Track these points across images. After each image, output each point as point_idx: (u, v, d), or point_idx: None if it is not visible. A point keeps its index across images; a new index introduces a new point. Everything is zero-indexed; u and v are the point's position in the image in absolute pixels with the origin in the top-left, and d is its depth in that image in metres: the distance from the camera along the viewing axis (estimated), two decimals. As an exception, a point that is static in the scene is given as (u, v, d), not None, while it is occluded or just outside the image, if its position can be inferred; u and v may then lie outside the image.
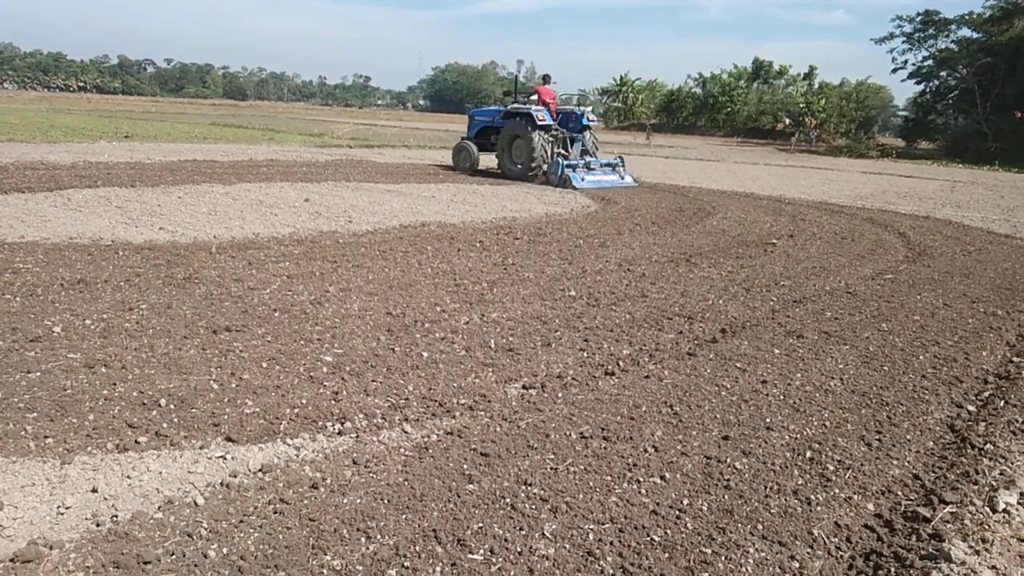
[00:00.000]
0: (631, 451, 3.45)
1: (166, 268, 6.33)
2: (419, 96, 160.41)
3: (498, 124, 17.47)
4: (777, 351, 5.13)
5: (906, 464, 3.52)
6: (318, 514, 2.77)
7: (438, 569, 2.49)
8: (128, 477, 2.98)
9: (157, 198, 10.40)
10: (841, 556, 2.72)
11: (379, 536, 2.65)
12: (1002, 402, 4.43)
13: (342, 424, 3.57)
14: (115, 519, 2.68)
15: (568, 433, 3.61)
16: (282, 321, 5.08)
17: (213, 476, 3.03)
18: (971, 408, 4.32)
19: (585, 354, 4.82)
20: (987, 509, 3.10)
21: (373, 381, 4.12)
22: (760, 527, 2.86)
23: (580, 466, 3.27)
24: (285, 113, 70.72)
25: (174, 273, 6.15)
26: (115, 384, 3.82)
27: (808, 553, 2.71)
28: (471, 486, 3.04)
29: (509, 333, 5.15)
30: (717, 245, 9.42)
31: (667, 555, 2.64)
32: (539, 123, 16.06)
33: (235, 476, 3.03)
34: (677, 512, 2.93)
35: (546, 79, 17.58)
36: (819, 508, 3.04)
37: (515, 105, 16.95)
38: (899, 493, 3.23)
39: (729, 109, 76.55)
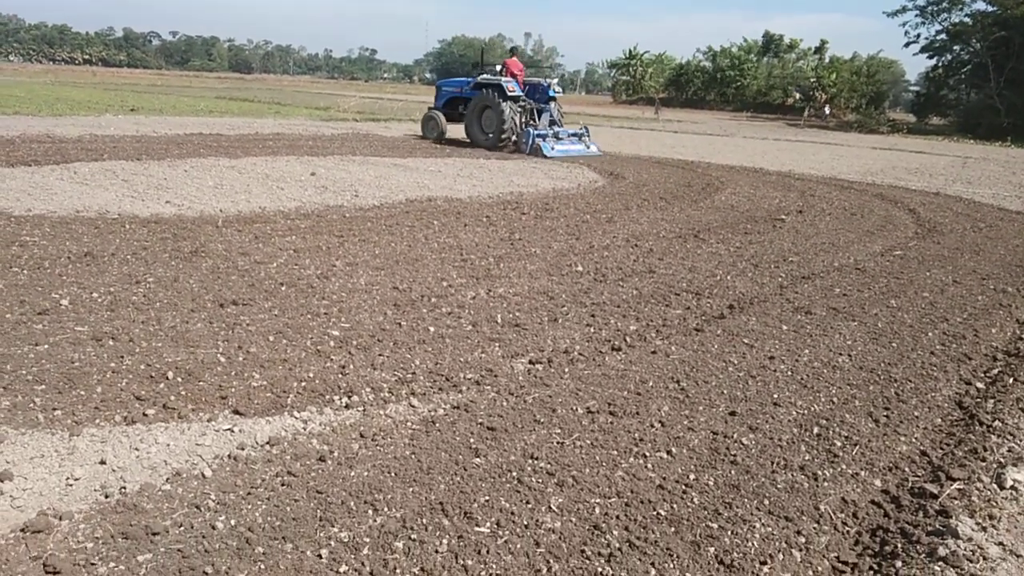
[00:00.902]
0: (638, 426, 3.45)
1: (173, 241, 6.33)
2: (425, 69, 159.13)
3: (467, 95, 17.89)
4: (785, 327, 5.11)
5: (914, 440, 3.52)
6: (325, 486, 2.78)
7: (444, 541, 2.50)
8: (136, 449, 2.99)
9: (163, 171, 10.38)
10: (847, 532, 2.72)
11: (386, 509, 2.66)
12: (1011, 379, 4.40)
13: (349, 398, 3.57)
14: (123, 491, 2.70)
15: (575, 408, 3.61)
16: (289, 295, 5.08)
17: (221, 448, 3.04)
18: (980, 385, 4.30)
19: (592, 329, 4.81)
20: (995, 486, 3.10)
21: (380, 355, 4.12)
22: (767, 502, 2.86)
23: (587, 441, 3.27)
24: (291, 87, 70.39)
25: (181, 247, 6.15)
26: (122, 357, 3.83)
27: (814, 528, 2.71)
28: (478, 460, 3.05)
29: (516, 308, 5.14)
30: (725, 220, 9.36)
31: (673, 529, 2.65)
32: (509, 94, 16.67)
33: (243, 449, 3.04)
34: (683, 487, 2.94)
35: (513, 51, 18.35)
36: (826, 484, 3.04)
37: (484, 76, 17.46)
38: (906, 469, 3.23)
39: (739, 83, 75.75)
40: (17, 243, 5.95)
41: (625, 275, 6.24)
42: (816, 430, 3.54)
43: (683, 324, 5.05)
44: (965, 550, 2.59)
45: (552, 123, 17.50)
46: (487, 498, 2.77)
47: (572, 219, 8.77)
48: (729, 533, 2.64)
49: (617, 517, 2.69)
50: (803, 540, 2.63)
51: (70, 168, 10.14)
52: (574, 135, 17.40)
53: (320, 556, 2.39)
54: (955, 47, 49.52)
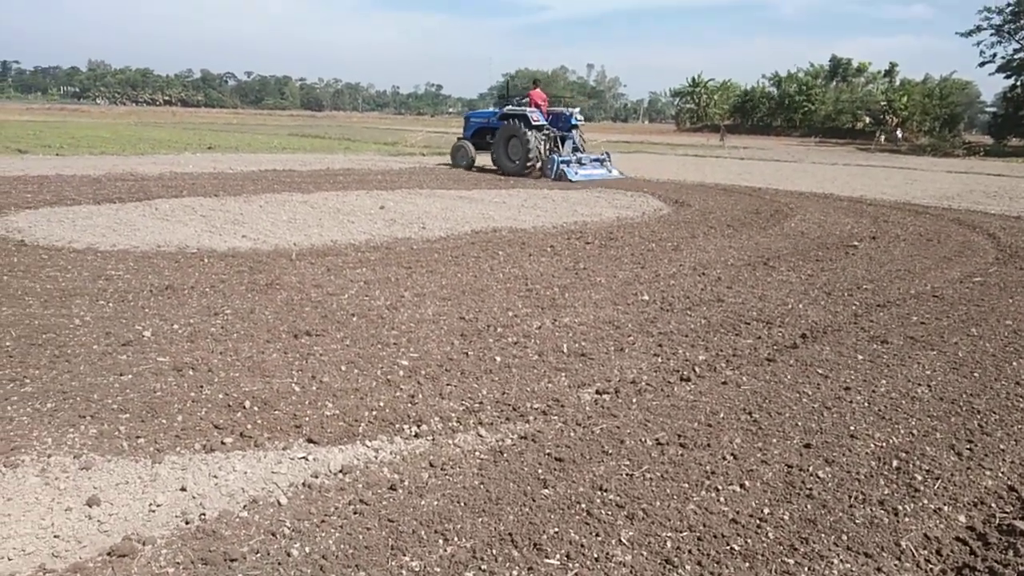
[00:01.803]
0: (709, 458, 3.39)
1: (249, 274, 6.54)
2: (490, 103, 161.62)
3: (494, 125, 19.07)
4: (860, 357, 4.97)
5: (1000, 475, 3.36)
6: (396, 515, 2.81)
7: (515, 573, 2.49)
8: (215, 476, 3.09)
9: (239, 207, 10.77)
10: (931, 570, 2.61)
11: (456, 538, 2.68)
12: (1107, 412, 4.18)
13: (418, 427, 3.62)
14: (203, 517, 2.78)
15: (643, 439, 3.57)
16: (360, 325, 5.19)
17: (295, 476, 3.11)
18: (1072, 418, 4.09)
19: (659, 359, 4.76)
20: (1092, 525, 2.93)
21: (448, 384, 4.17)
22: (845, 537, 2.77)
23: (656, 473, 3.24)
24: (360, 123, 72.25)
25: (257, 279, 6.35)
26: (202, 386, 3.97)
27: (895, 565, 2.61)
28: (546, 490, 3.04)
29: (581, 338, 5.14)
30: (796, 248, 9.18)
31: (747, 565, 2.59)
32: (534, 123, 17.86)
33: (316, 477, 3.11)
34: (758, 521, 2.87)
35: (536, 83, 19.68)
36: (907, 519, 2.93)
37: (510, 107, 18.74)
38: (993, 505, 3.08)
39: (806, 108, 74.65)
40: (103, 277, 6.24)
41: (692, 304, 6.17)
42: (895, 463, 3.42)
43: (754, 354, 4.96)
44: (1061, 592, 2.46)
45: (575, 149, 18.53)
46: (556, 529, 2.75)
47: (637, 248, 8.73)
48: (806, 569, 2.57)
49: (689, 551, 2.65)
50: (885, 578, 2.54)
51: (152, 205, 10.62)
52: (596, 160, 18.32)
53: (392, 585, 2.42)
54: (1034, 65, 47.83)
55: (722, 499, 3.03)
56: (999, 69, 49.35)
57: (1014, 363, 4.96)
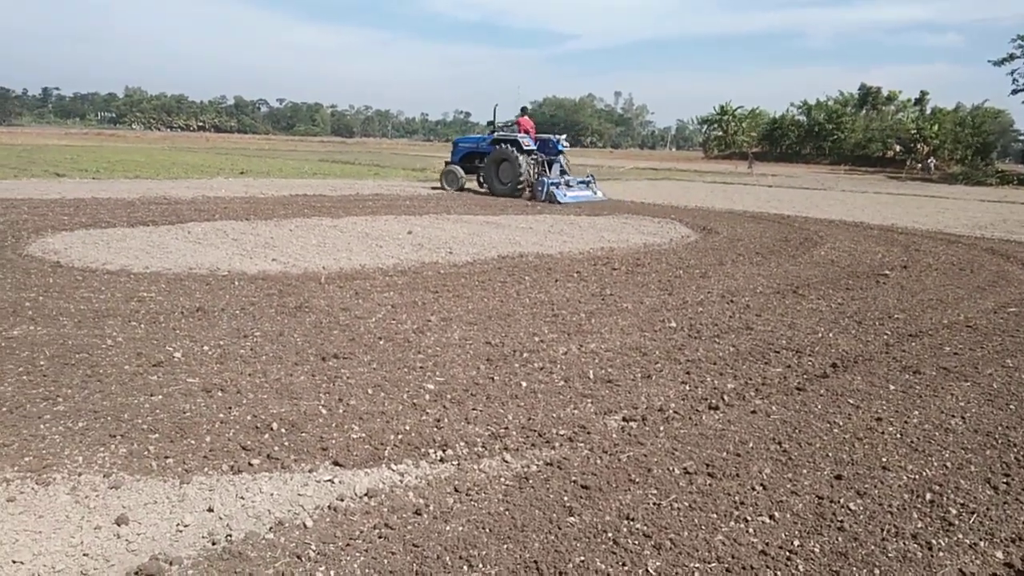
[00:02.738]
0: (738, 488, 3.34)
1: (278, 297, 6.61)
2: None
3: (483, 150, 20.28)
4: (892, 387, 4.89)
5: (1041, 511, 3.27)
6: (421, 540, 2.80)
7: (540, 601, 2.47)
8: (242, 498, 3.10)
9: (270, 231, 10.91)
10: (969, 608, 2.55)
11: (481, 565, 2.66)
12: None
13: (444, 451, 3.61)
14: (229, 538, 2.79)
15: (671, 468, 3.53)
16: (387, 349, 5.21)
17: (321, 499, 3.12)
18: (1114, 453, 3.98)
19: (687, 387, 4.72)
20: None
21: (473, 409, 4.16)
22: (877, 572, 2.71)
23: (684, 502, 3.19)
24: (389, 149, 73.10)
25: (286, 302, 6.42)
26: (230, 408, 4.00)
27: (932, 603, 2.55)
28: (572, 518, 3.02)
29: (608, 364, 5.11)
30: (826, 276, 9.09)
31: (777, 598, 2.53)
32: (525, 148, 19.17)
33: (342, 500, 3.11)
34: (787, 553, 2.82)
35: (523, 111, 20.68)
36: (941, 554, 2.86)
37: (500, 133, 19.96)
38: (1033, 543, 3.00)
39: (835, 136, 74.20)
40: (136, 298, 6.34)
41: (721, 331, 6.12)
42: (929, 496, 3.35)
43: (783, 383, 4.90)
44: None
45: (563, 172, 19.82)
46: (582, 558, 2.72)
47: (664, 274, 8.70)
48: (838, 604, 2.51)
49: (717, 583, 2.60)
50: (920, 615, 2.48)
51: (184, 228, 10.80)
52: (582, 182, 19.74)
53: (416, 610, 2.40)
54: (1069, 94, 47.23)
55: (751, 530, 2.98)
56: (1033, 98, 48.79)
57: (1052, 396, 4.84)
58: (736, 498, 3.24)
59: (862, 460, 3.71)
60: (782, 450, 3.79)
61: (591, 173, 21.52)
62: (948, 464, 3.72)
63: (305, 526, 2.89)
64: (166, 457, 3.42)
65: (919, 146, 59.73)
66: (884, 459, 3.73)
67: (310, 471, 3.36)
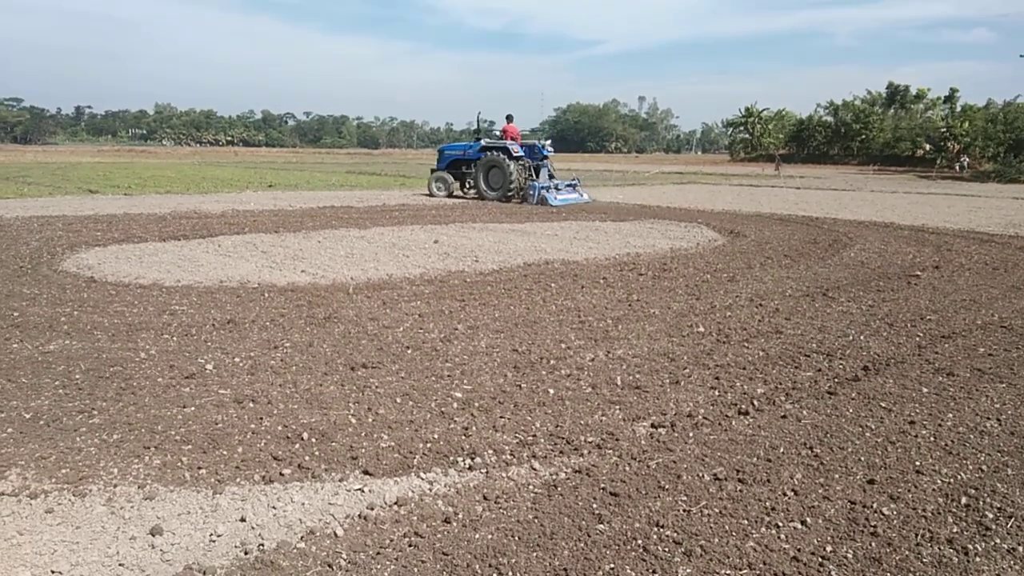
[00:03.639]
0: (769, 494, 3.31)
1: (308, 308, 6.68)
2: (541, 137, 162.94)
3: (471, 157, 20.85)
4: (925, 390, 4.81)
5: (1082, 515, 3.20)
6: (451, 548, 2.81)
7: (570, 609, 2.46)
8: (273, 507, 3.14)
9: (299, 243, 11.03)
10: (1009, 614, 2.50)
11: (510, 572, 2.66)
12: None
13: (472, 459, 3.62)
14: (261, 548, 2.82)
15: (701, 474, 3.51)
16: (414, 358, 5.24)
17: (352, 508, 3.14)
18: None
19: (716, 392, 4.69)
20: None
21: (501, 417, 4.17)
22: (914, 579, 2.67)
23: (715, 509, 3.17)
24: (415, 159, 73.40)
25: (315, 313, 6.48)
26: (262, 418, 4.05)
27: (970, 609, 2.50)
28: (601, 526, 3.01)
29: (636, 370, 5.09)
30: (856, 278, 8.98)
31: (811, 605, 2.51)
32: (514, 154, 19.89)
33: (372, 508, 3.13)
34: (820, 559, 2.78)
35: (509, 118, 21.27)
36: (978, 559, 2.81)
37: (487, 140, 20.98)
38: (1075, 547, 2.94)
39: (863, 136, 73.24)
40: (168, 312, 6.44)
41: (750, 336, 6.07)
42: (964, 500, 3.29)
43: (814, 387, 4.84)
44: None
45: (550, 176, 20.55)
46: (612, 566, 2.72)
47: (691, 279, 8.65)
48: (873, 611, 2.48)
49: (749, 589, 2.58)
50: (957, 622, 2.43)
51: (214, 241, 10.96)
52: (569, 186, 20.44)
53: (447, 618, 2.41)
54: (1105, 88, 46.24)
55: (783, 536, 2.95)
56: (1067, 92, 47.82)
57: (1092, 396, 4.74)
58: (767, 504, 3.21)
59: (895, 464, 3.66)
60: (813, 455, 3.75)
61: (576, 177, 22.40)
62: (984, 467, 3.65)
63: (336, 535, 2.91)
64: (199, 468, 3.47)
65: (949, 144, 58.71)
66: (918, 463, 3.68)
67: (340, 480, 3.39)
